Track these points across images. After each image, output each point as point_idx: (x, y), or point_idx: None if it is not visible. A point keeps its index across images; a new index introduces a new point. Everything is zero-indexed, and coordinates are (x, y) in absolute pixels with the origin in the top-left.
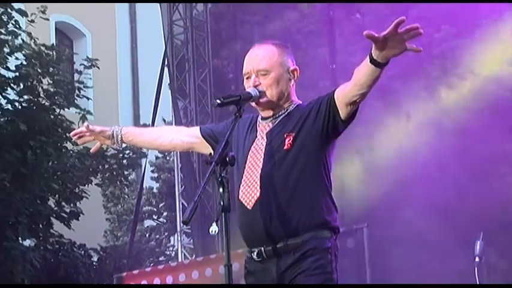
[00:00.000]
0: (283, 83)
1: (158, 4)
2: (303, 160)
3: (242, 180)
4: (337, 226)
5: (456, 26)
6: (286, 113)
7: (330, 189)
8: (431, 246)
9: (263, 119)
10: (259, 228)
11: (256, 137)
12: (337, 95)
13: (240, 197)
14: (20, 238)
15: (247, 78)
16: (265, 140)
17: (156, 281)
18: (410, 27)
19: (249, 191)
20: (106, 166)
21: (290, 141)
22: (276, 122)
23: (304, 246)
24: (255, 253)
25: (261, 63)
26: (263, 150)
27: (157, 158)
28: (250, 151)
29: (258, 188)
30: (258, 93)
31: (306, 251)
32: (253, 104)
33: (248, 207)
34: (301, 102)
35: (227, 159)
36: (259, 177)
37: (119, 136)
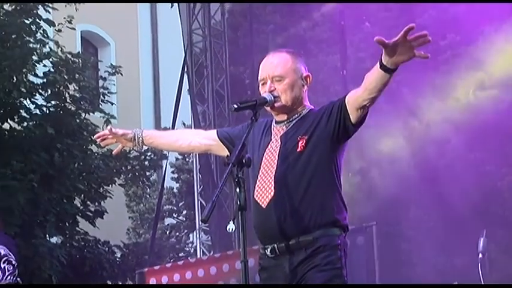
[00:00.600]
0: (296, 88)
1: (178, 14)
2: (315, 162)
3: (257, 181)
4: (346, 224)
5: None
6: (300, 117)
7: (340, 189)
8: (437, 243)
9: (277, 122)
10: (272, 226)
11: (271, 139)
12: (347, 99)
13: (255, 196)
14: (47, 236)
15: (262, 84)
16: (280, 142)
17: (176, 276)
18: (418, 35)
19: (264, 191)
20: (129, 167)
21: (303, 143)
22: (290, 125)
23: (315, 243)
24: (269, 249)
25: (276, 70)
26: (277, 152)
27: (177, 159)
28: (265, 153)
29: (272, 188)
30: (273, 98)
31: (317, 248)
32: (268, 108)
33: (263, 206)
34: (313, 107)
35: (243, 160)
36: (273, 177)
37: (140, 138)
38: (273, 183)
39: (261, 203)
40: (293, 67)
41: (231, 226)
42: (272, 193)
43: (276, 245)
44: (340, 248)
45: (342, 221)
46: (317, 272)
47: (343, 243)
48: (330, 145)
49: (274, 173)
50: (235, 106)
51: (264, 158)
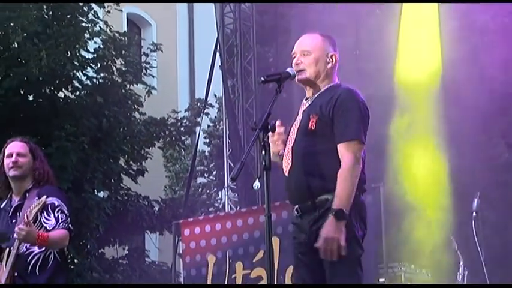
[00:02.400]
0: (321, 64)
1: None
2: (323, 137)
3: (285, 151)
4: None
5: None
6: (317, 94)
7: None
8: (436, 202)
9: (306, 99)
10: (292, 191)
11: (297, 114)
12: (336, 142)
13: (283, 166)
14: (95, 190)
15: (293, 58)
16: (301, 117)
17: (207, 227)
18: None
19: (286, 161)
20: (167, 132)
21: (313, 122)
22: (310, 102)
23: (325, 205)
24: (294, 209)
25: (305, 46)
26: (297, 126)
27: (209, 126)
28: (292, 127)
29: (290, 158)
30: (295, 72)
31: (326, 209)
32: (296, 81)
33: (286, 174)
34: (334, 83)
35: (269, 126)
36: (291, 149)
37: None
38: (291, 154)
39: (285, 171)
40: (320, 45)
41: (256, 184)
42: (290, 163)
43: (298, 206)
44: (349, 213)
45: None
46: None
47: (355, 205)
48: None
49: (292, 145)
50: (263, 79)
51: (290, 132)
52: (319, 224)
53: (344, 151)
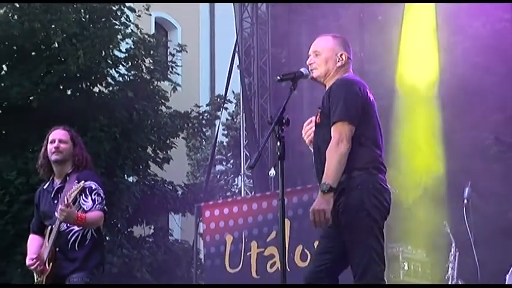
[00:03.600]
0: (330, 63)
1: (232, 6)
2: (327, 128)
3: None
4: (369, 166)
5: None
6: (327, 89)
7: (363, 139)
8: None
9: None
10: (316, 174)
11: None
12: (331, 123)
13: None
14: (125, 176)
15: (308, 57)
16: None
17: (225, 210)
18: None
19: (312, 149)
20: (190, 125)
21: (319, 115)
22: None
23: (339, 186)
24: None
25: (317, 47)
26: (315, 120)
27: (227, 119)
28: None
29: (312, 147)
30: (308, 72)
31: (341, 189)
32: (308, 79)
33: (313, 161)
34: (340, 77)
35: (283, 121)
36: (312, 140)
37: None
38: (313, 144)
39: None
40: (331, 46)
41: (272, 172)
42: (313, 151)
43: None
44: (361, 188)
45: (362, 164)
46: (341, 215)
47: (366, 181)
48: None
49: (313, 136)
50: (279, 78)
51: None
52: (336, 204)
53: (332, 132)
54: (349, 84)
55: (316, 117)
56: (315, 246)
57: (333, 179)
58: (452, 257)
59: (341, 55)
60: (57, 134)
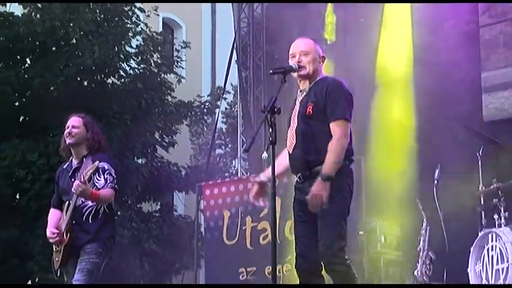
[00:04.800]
0: (316, 63)
1: (231, 7)
2: (318, 120)
3: (287, 134)
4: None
5: None
6: (312, 86)
7: None
8: (406, 173)
9: (300, 91)
10: (296, 162)
11: (295, 104)
12: (329, 120)
13: (287, 145)
14: (135, 158)
15: (292, 57)
16: (299, 106)
17: (224, 188)
18: None
19: (290, 141)
20: (192, 113)
21: (310, 108)
22: (305, 93)
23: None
24: (297, 177)
25: (304, 47)
26: (297, 114)
27: (226, 108)
28: (292, 114)
29: (295, 139)
30: (297, 66)
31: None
32: (295, 75)
33: (290, 151)
34: (322, 76)
35: (275, 109)
36: (295, 132)
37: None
38: (295, 136)
39: (288, 150)
40: (314, 48)
41: (264, 155)
42: (294, 142)
43: (300, 174)
44: (341, 174)
45: (345, 156)
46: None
47: (344, 170)
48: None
49: (295, 128)
50: (271, 71)
51: (291, 118)
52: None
53: (335, 127)
54: (344, 85)
55: (306, 109)
56: None
57: (334, 169)
58: (423, 230)
59: (322, 57)
60: (72, 121)
